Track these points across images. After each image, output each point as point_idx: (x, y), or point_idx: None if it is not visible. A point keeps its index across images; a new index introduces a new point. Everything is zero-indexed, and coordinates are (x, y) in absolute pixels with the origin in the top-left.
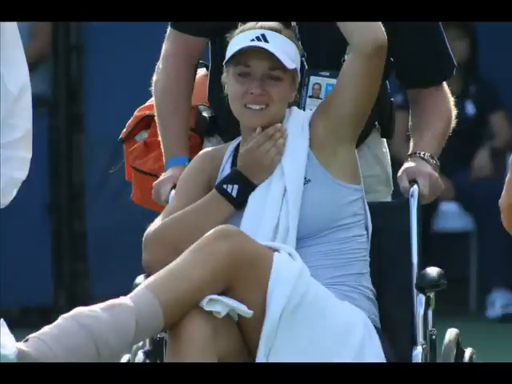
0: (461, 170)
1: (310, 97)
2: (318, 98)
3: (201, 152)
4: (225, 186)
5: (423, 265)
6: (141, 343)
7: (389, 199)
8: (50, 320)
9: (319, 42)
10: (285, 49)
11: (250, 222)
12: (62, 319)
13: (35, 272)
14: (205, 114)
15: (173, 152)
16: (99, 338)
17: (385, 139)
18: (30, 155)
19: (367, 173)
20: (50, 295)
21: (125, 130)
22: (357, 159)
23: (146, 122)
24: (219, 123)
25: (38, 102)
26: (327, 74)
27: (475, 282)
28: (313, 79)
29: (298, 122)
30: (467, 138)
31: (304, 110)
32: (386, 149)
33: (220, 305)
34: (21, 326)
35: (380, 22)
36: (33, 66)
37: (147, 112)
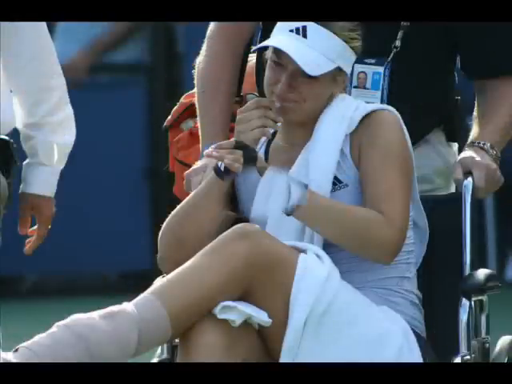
0: None
1: (355, 87)
2: (364, 88)
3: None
4: (217, 162)
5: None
6: (159, 350)
7: None
8: (148, 285)
9: (370, 26)
10: (324, 46)
11: (275, 221)
12: (57, 327)
13: (134, 237)
14: None
15: (209, 138)
16: (95, 349)
17: (454, 143)
18: (71, 109)
19: (424, 162)
20: (149, 260)
21: (170, 117)
22: (412, 157)
23: (193, 109)
24: None
25: (136, 67)
26: (373, 61)
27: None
28: (357, 67)
29: (337, 115)
30: None
31: None
32: (453, 150)
33: (235, 312)
34: (119, 292)
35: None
36: (130, 32)
37: (194, 99)
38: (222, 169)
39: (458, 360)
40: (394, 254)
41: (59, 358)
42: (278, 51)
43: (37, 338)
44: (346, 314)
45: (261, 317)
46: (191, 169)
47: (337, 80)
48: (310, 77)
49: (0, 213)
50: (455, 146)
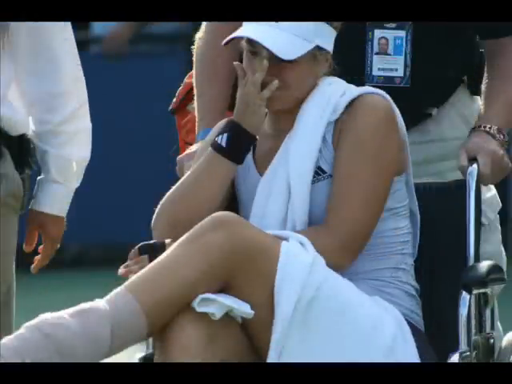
0: None
1: (376, 54)
2: (386, 53)
3: (222, 121)
4: (216, 139)
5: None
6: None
7: None
8: None
9: None
10: (297, 27)
11: (258, 211)
12: (25, 328)
13: None
14: None
15: (205, 122)
16: (66, 349)
17: (477, 97)
18: (89, 125)
19: (451, 135)
20: None
21: (175, 99)
22: (403, 146)
23: None
24: None
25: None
26: (393, 25)
27: None
28: (377, 33)
29: (322, 101)
30: None
31: (371, 70)
32: (476, 107)
33: (215, 305)
34: None
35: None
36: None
37: None
38: (224, 144)
39: (456, 357)
40: (342, 260)
41: (28, 360)
42: (251, 40)
43: (4, 340)
44: (335, 300)
45: (242, 308)
46: (184, 153)
47: (318, 59)
48: (288, 61)
49: (16, 212)
50: (477, 101)
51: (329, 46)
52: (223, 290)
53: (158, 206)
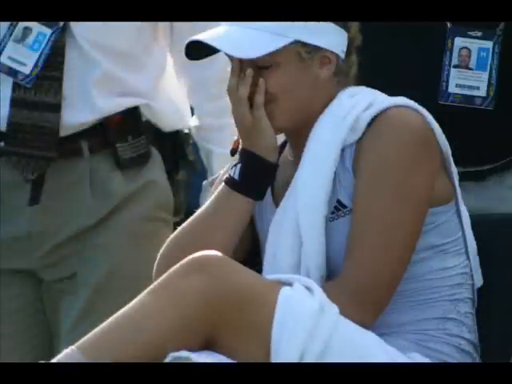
0: None
1: (455, 66)
2: (467, 67)
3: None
4: (230, 171)
5: None
6: None
7: None
8: None
9: None
10: (267, 24)
11: (270, 255)
12: None
13: None
14: None
15: None
16: None
17: None
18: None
19: None
20: None
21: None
22: (446, 169)
23: None
24: None
25: None
26: (479, 33)
27: None
28: (458, 42)
29: (338, 116)
30: None
31: (447, 86)
32: None
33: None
34: None
35: None
36: None
37: None
38: (237, 177)
39: None
40: (361, 317)
41: None
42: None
43: None
44: (350, 353)
45: None
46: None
47: (305, 59)
48: (266, 67)
49: (168, 225)
50: None
51: (320, 41)
52: (206, 345)
53: (160, 256)
